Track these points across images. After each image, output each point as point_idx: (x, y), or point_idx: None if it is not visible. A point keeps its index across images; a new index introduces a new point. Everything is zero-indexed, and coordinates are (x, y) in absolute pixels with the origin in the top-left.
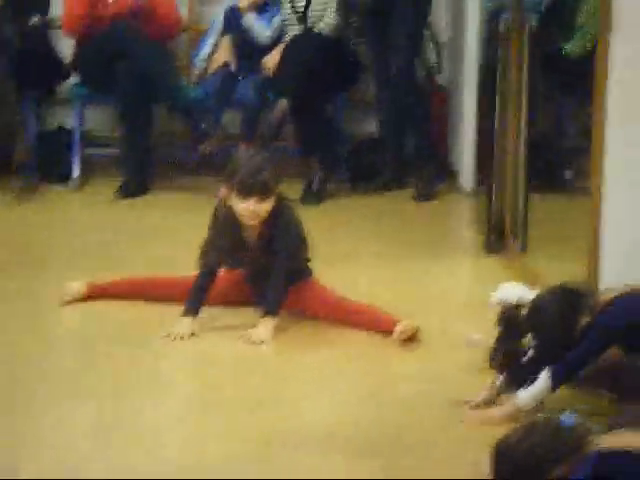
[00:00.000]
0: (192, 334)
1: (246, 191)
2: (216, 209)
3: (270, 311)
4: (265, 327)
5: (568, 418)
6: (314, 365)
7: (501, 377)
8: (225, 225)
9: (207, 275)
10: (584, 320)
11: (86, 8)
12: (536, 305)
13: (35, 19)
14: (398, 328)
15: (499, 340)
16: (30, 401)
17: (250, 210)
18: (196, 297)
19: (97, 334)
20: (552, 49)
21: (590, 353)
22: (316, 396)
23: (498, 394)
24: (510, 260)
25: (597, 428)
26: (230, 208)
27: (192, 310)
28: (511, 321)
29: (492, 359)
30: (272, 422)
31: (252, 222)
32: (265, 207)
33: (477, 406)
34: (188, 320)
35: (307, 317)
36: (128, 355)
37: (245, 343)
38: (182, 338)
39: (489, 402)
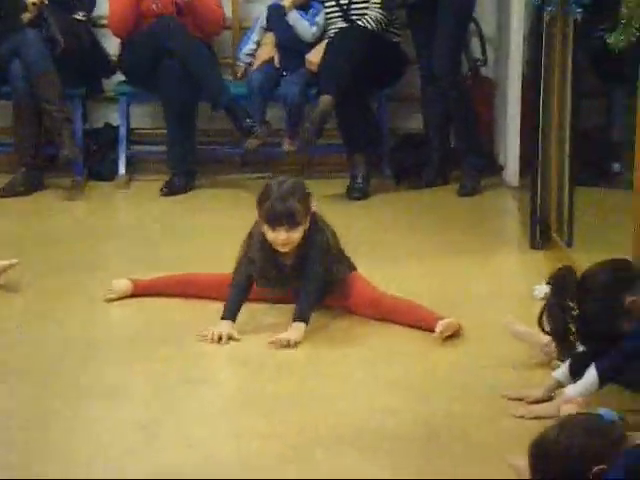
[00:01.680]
0: (229, 337)
1: (275, 221)
2: (253, 227)
3: (300, 317)
4: (294, 332)
5: (607, 413)
6: (352, 362)
7: (558, 370)
8: (260, 247)
9: (242, 286)
10: (630, 299)
11: (132, 6)
12: (584, 274)
13: (80, 16)
14: (440, 326)
15: (549, 300)
16: (71, 396)
17: (280, 239)
18: (233, 304)
19: (138, 333)
20: (598, 41)
21: (637, 350)
22: (353, 393)
23: (557, 387)
24: (556, 255)
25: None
26: (263, 233)
27: (230, 315)
28: (563, 280)
29: (540, 319)
30: (307, 421)
31: (283, 250)
32: (295, 236)
33: (535, 401)
34: (227, 323)
35: (347, 313)
36: (165, 355)
37: (274, 347)
38: (220, 340)
39: (547, 397)
